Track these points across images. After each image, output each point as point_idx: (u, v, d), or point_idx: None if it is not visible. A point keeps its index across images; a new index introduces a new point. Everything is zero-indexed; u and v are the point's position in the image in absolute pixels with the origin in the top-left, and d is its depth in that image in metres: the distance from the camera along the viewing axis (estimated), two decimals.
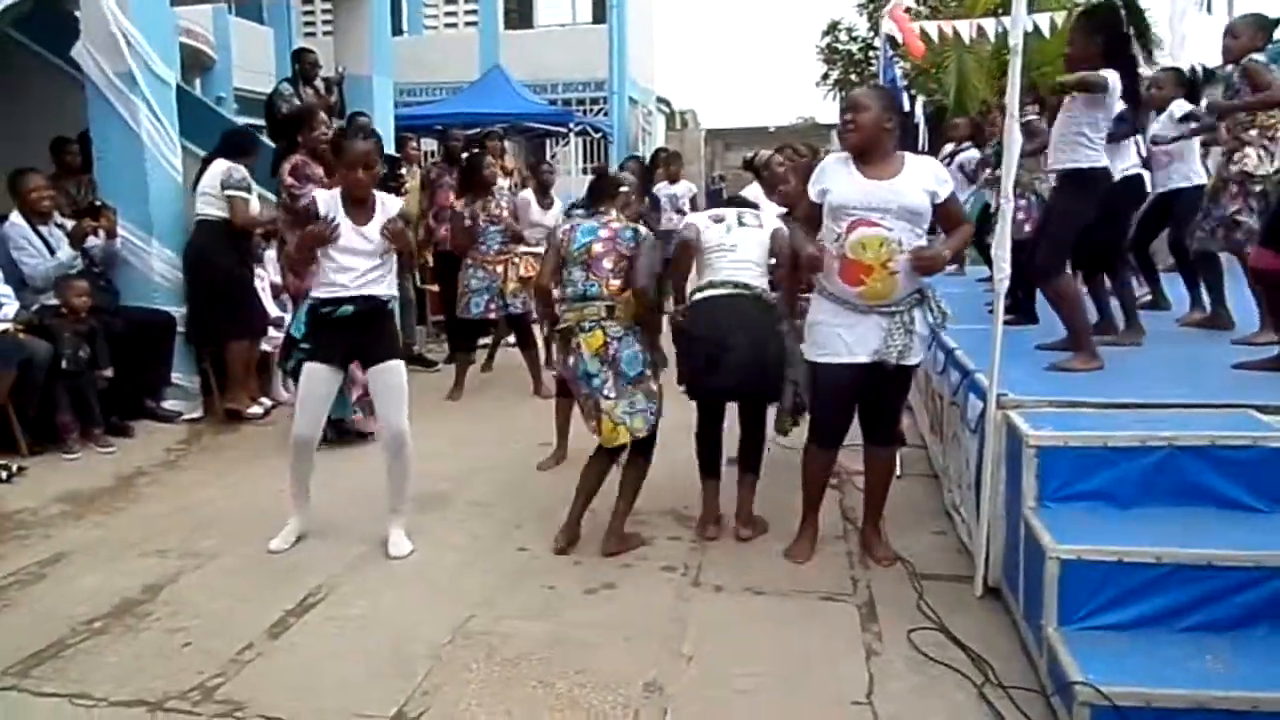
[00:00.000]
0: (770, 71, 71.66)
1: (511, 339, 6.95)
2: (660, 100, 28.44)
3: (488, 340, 7.42)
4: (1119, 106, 3.90)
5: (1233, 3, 7.53)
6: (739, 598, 3.40)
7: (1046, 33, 8.69)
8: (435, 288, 7.96)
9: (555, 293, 3.86)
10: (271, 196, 6.85)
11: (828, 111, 21.25)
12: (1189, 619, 2.65)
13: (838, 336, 3.37)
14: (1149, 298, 5.65)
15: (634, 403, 3.70)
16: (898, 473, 4.66)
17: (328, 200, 3.74)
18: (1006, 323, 5.14)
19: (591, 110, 21.15)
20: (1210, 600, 2.64)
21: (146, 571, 3.67)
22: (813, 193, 3.43)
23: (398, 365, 3.82)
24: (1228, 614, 2.64)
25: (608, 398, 3.68)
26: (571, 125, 16.12)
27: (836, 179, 3.35)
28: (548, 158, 18.17)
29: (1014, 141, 3.21)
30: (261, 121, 8.38)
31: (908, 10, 12.69)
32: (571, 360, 3.77)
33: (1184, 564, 2.65)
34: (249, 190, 5.90)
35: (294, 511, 3.94)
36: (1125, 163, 4.80)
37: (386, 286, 3.80)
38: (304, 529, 3.95)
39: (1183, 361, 4.11)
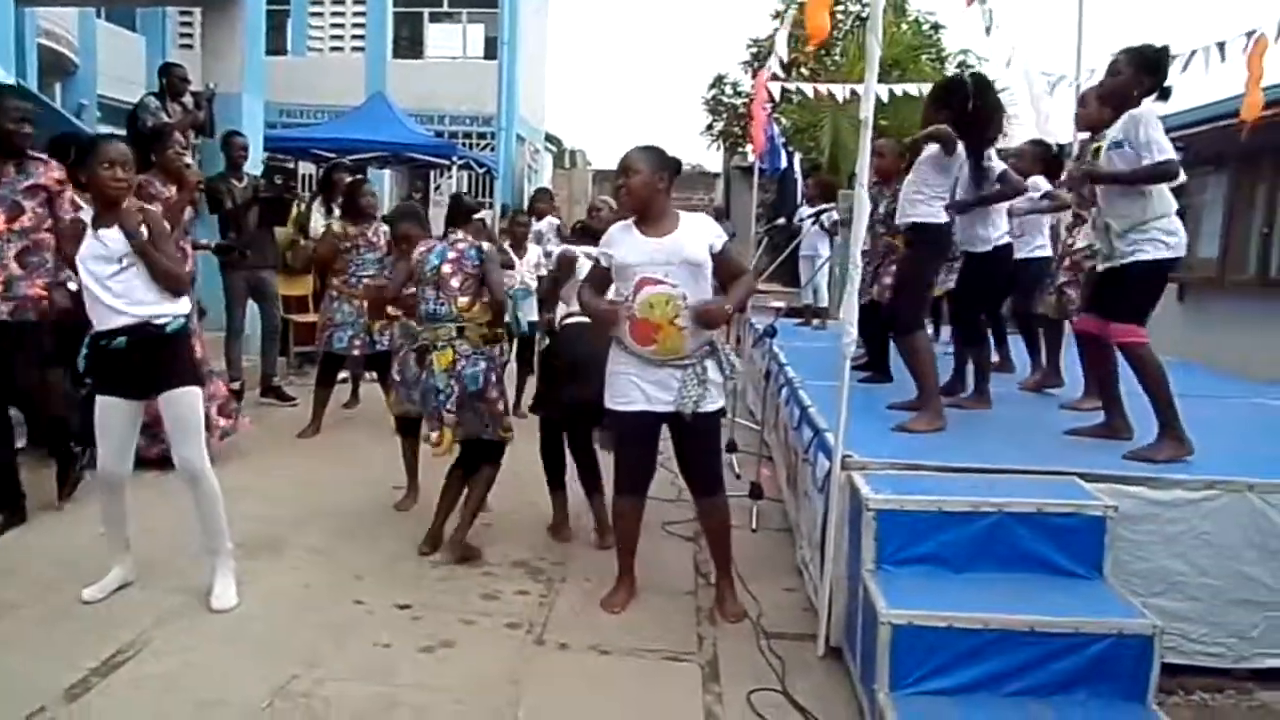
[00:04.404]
0: (660, 117, 73.22)
1: (372, 375, 6.74)
2: (549, 138, 28.47)
3: (347, 375, 7.18)
4: (958, 170, 4.04)
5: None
6: (582, 657, 3.31)
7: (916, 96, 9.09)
8: (311, 317, 7.72)
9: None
10: None
11: (713, 160, 21.77)
12: (1014, 684, 2.72)
13: (636, 385, 3.46)
14: (996, 359, 5.90)
15: (470, 417, 4.06)
16: (753, 526, 4.70)
17: (87, 217, 3.54)
18: (865, 380, 5.33)
19: (478, 145, 20.97)
20: (1033, 666, 2.71)
21: None
22: (600, 258, 3.57)
23: (184, 394, 3.48)
24: (1050, 679, 2.72)
25: (449, 411, 4.00)
26: (455, 158, 15.88)
27: (619, 242, 3.48)
28: (431, 190, 17.92)
29: (864, 209, 3.30)
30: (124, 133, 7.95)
31: (788, 69, 13.15)
32: (424, 375, 4.07)
33: (1010, 630, 2.72)
34: None
35: (113, 557, 3.64)
36: (997, 231, 4.73)
37: (157, 305, 3.43)
38: (126, 577, 3.65)
39: (1018, 425, 4.27)
